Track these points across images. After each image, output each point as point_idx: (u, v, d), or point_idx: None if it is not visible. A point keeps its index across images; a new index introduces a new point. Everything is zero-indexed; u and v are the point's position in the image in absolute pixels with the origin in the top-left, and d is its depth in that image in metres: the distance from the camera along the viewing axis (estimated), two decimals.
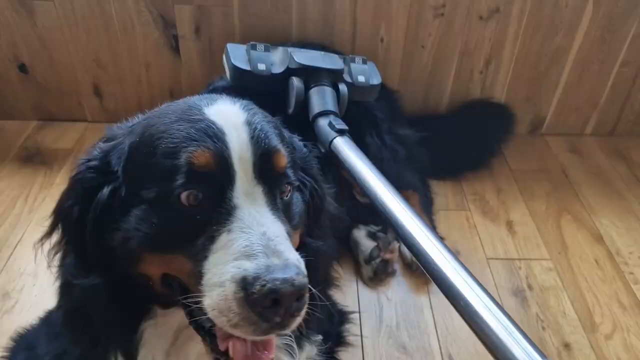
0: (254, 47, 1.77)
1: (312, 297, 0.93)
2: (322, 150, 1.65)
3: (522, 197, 2.23)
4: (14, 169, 2.26)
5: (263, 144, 0.94)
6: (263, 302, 0.80)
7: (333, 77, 1.77)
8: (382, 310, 1.75)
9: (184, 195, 0.89)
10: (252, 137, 0.93)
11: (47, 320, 1.36)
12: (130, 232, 0.93)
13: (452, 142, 2.32)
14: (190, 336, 1.08)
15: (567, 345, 1.66)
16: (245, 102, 1.03)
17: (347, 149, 1.52)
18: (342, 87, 1.76)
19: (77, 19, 2.23)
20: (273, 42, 2.09)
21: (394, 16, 2.24)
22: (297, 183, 1.03)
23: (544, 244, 2.01)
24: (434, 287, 1.82)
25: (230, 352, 0.93)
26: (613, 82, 2.45)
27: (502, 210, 2.16)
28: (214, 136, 0.91)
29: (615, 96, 2.50)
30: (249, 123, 0.95)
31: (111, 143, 1.00)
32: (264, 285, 0.80)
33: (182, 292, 0.94)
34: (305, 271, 0.86)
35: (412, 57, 2.37)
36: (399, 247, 1.90)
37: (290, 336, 1.11)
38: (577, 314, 1.75)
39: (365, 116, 1.93)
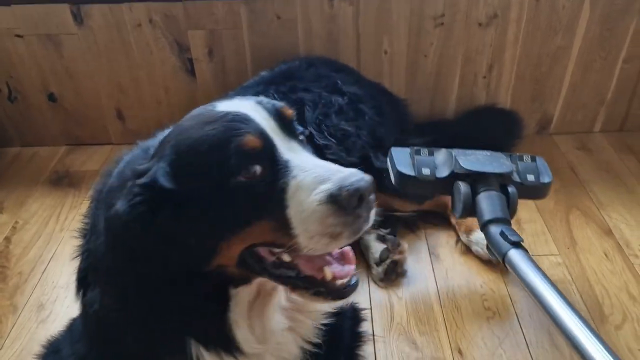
0: (417, 152, 1.77)
1: None
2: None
3: None
4: (45, 191, 2.42)
5: (273, 108, 1.14)
6: (353, 202, 0.99)
7: (501, 180, 1.69)
8: (393, 309, 1.82)
9: (243, 175, 1.03)
10: (267, 110, 1.12)
11: (71, 327, 1.48)
12: (205, 229, 1.05)
13: (460, 147, 2.37)
14: (263, 304, 1.21)
15: None
16: (240, 97, 1.22)
17: (523, 265, 1.46)
18: (512, 190, 1.66)
19: (100, 49, 2.40)
20: (282, 59, 2.22)
21: (395, 28, 2.34)
22: (307, 133, 1.27)
23: (553, 239, 2.05)
24: (442, 285, 1.89)
25: (328, 276, 1.10)
26: (618, 78, 2.48)
27: None
28: (245, 120, 1.07)
29: (621, 92, 2.53)
30: (259, 103, 1.14)
31: (147, 175, 1.06)
32: (349, 189, 0.98)
33: (256, 261, 1.10)
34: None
35: (416, 67, 2.45)
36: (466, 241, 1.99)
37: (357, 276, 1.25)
38: (587, 306, 1.78)
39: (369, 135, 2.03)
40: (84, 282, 1.23)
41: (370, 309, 1.81)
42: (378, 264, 1.92)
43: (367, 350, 1.65)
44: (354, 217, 1.01)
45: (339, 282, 1.11)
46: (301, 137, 1.18)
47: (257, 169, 1.04)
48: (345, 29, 2.35)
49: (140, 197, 1.03)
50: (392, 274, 1.91)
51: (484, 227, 1.60)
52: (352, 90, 2.13)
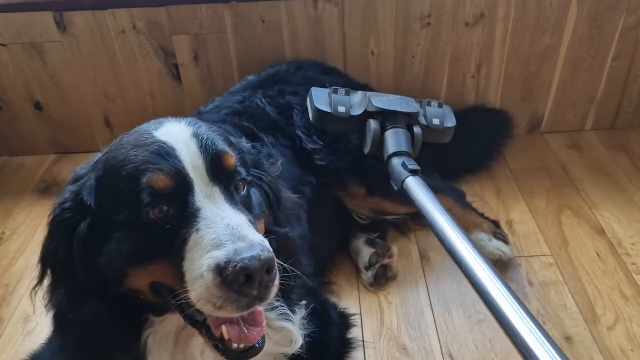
0: (335, 92, 1.86)
1: (285, 270, 1.07)
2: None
3: (522, 196, 2.25)
4: (33, 200, 2.40)
5: (212, 150, 1.06)
6: (238, 280, 0.92)
7: (408, 120, 1.83)
8: (383, 314, 1.79)
9: (152, 213, 1.00)
10: (200, 147, 1.05)
11: (50, 340, 1.47)
12: (113, 253, 1.04)
13: (450, 147, 2.35)
14: (189, 336, 1.18)
15: (568, 339, 1.67)
16: (189, 119, 1.14)
17: (418, 189, 1.59)
18: (417, 130, 1.82)
19: (84, 57, 2.38)
20: (268, 62, 2.21)
21: (382, 29, 2.32)
22: (249, 179, 1.15)
23: (545, 240, 2.03)
24: (433, 289, 1.87)
25: (226, 336, 1.04)
26: (607, 76, 2.46)
27: (502, 210, 2.19)
28: (166, 155, 1.03)
29: (611, 90, 2.51)
30: (195, 135, 1.07)
31: (79, 182, 1.11)
32: (235, 266, 0.91)
33: (172, 294, 1.04)
34: (269, 247, 0.97)
35: (404, 68, 2.44)
36: None
37: (283, 306, 1.24)
38: (579, 307, 1.76)
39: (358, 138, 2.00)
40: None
41: (360, 314, 1.79)
42: (368, 268, 1.90)
43: (356, 356, 1.62)
44: (238, 296, 0.94)
45: (235, 345, 1.05)
46: (239, 183, 1.11)
47: (168, 210, 1.01)
48: (331, 30, 2.33)
49: (69, 204, 1.07)
50: (382, 279, 1.89)
51: (388, 159, 1.73)
52: None
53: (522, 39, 2.36)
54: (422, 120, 1.87)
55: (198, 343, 1.18)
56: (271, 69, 2.15)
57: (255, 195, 1.18)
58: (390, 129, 1.80)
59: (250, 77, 2.12)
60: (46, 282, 1.16)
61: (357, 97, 1.88)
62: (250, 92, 2.00)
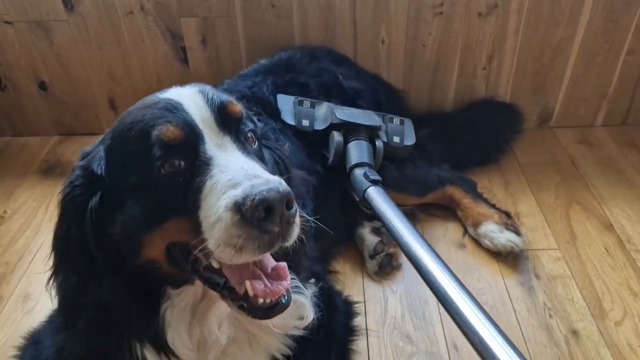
0: (300, 103, 1.90)
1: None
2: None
3: (530, 190, 2.22)
4: (35, 181, 2.38)
5: (217, 101, 1.05)
6: (257, 214, 0.88)
7: (370, 133, 1.92)
8: (387, 302, 1.77)
9: (163, 168, 0.98)
10: (206, 100, 1.05)
11: (51, 319, 1.46)
12: (127, 220, 1.02)
13: (459, 139, 2.32)
14: (206, 308, 1.16)
15: (575, 332, 1.64)
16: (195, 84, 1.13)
17: (379, 199, 1.66)
18: (379, 143, 1.90)
19: (91, 36, 2.35)
20: (277, 48, 2.17)
21: (393, 17, 2.29)
22: (260, 131, 1.15)
23: (552, 234, 2.00)
24: None
25: (250, 292, 1.01)
26: (620, 71, 2.43)
27: (509, 203, 2.15)
28: (173, 109, 1.01)
29: (624, 85, 2.47)
30: (201, 92, 1.07)
31: (88, 157, 1.09)
32: (254, 199, 0.88)
33: (188, 260, 1.02)
34: (286, 184, 0.93)
35: (414, 57, 2.40)
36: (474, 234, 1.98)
37: (294, 278, 1.20)
38: (586, 302, 1.73)
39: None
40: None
41: (364, 302, 1.76)
42: (372, 256, 1.87)
43: (360, 344, 1.61)
44: (259, 232, 0.90)
45: (260, 300, 1.02)
46: (249, 135, 1.10)
47: (180, 163, 0.98)
48: (342, 17, 2.29)
49: (79, 180, 1.05)
50: (387, 267, 1.86)
51: (350, 170, 1.82)
52: (353, 85, 2.09)
53: (536, 31, 2.32)
54: (383, 137, 1.95)
55: (215, 315, 1.16)
56: (284, 53, 2.12)
57: (268, 156, 1.17)
58: (352, 140, 1.88)
59: (262, 61, 2.09)
60: (56, 267, 1.13)
61: (322, 109, 1.93)
62: (262, 78, 1.98)
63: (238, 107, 1.09)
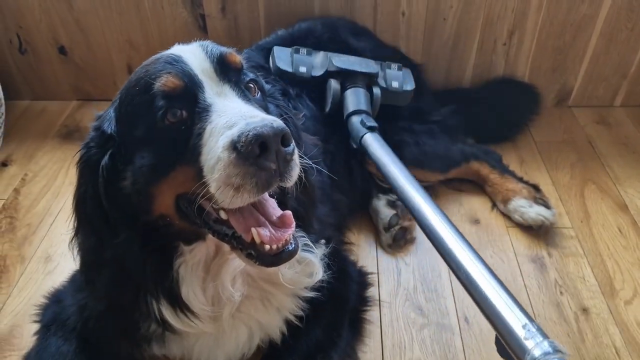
0: (297, 51, 1.90)
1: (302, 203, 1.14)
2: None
3: (545, 168, 2.22)
4: (55, 145, 2.41)
5: (217, 52, 1.09)
6: (252, 149, 0.91)
7: (368, 81, 1.90)
8: (400, 275, 1.80)
9: (166, 118, 1.02)
10: (206, 52, 1.09)
11: (73, 278, 1.51)
12: (136, 172, 1.06)
13: (477, 115, 2.31)
14: (220, 265, 1.20)
15: (585, 310, 1.66)
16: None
17: (375, 145, 1.66)
18: (376, 90, 1.89)
19: (110, 2, 2.34)
20: (296, 17, 2.17)
21: None
22: (261, 82, 1.19)
23: (566, 213, 2.01)
24: None
25: (256, 239, 1.04)
26: None
27: None
28: (173, 62, 1.06)
29: None
30: (201, 46, 1.11)
31: (100, 118, 1.15)
32: (247, 135, 0.91)
33: (197, 213, 1.06)
34: (282, 122, 0.95)
35: (434, 31, 2.38)
36: (505, 210, 1.99)
37: (304, 236, 1.24)
38: (597, 280, 1.76)
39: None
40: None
41: (377, 273, 1.80)
42: (387, 229, 1.90)
43: (372, 315, 1.64)
44: (256, 169, 0.93)
45: (267, 247, 1.04)
46: (250, 85, 1.14)
47: (181, 112, 1.02)
48: None
49: (92, 141, 1.11)
50: (401, 240, 1.89)
51: (347, 117, 1.81)
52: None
53: (559, 7, 2.28)
54: (381, 82, 1.93)
55: (229, 272, 1.20)
56: (303, 24, 2.10)
57: (272, 109, 1.21)
58: (350, 88, 1.86)
59: (281, 32, 2.08)
60: (77, 226, 1.18)
61: (319, 57, 1.92)
62: None
63: (237, 57, 1.13)
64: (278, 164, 0.95)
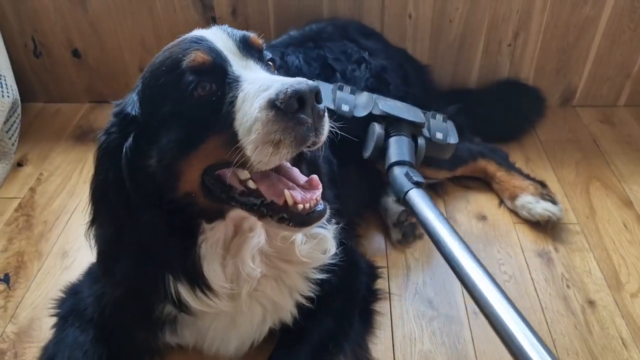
0: (340, 88, 1.83)
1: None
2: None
3: (550, 166, 2.26)
4: (69, 146, 2.46)
5: (239, 34, 1.17)
6: (291, 105, 0.97)
7: (413, 129, 1.81)
8: (409, 269, 1.84)
9: (196, 92, 1.06)
10: (229, 34, 1.15)
11: (90, 271, 1.56)
12: (163, 148, 1.09)
13: (483, 116, 2.34)
14: (241, 243, 1.23)
15: (591, 303, 1.70)
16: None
17: (422, 203, 1.54)
18: (421, 141, 1.79)
19: (124, 5, 2.40)
20: (305, 19, 2.21)
21: None
22: (279, 62, 1.25)
23: (572, 209, 2.04)
24: None
25: (289, 200, 1.08)
26: None
27: None
28: (199, 41, 1.11)
29: None
30: (223, 29, 1.17)
31: (120, 104, 1.18)
32: (286, 91, 0.97)
33: (222, 188, 1.12)
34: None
35: (440, 32, 2.43)
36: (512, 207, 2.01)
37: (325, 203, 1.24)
38: (603, 274, 1.79)
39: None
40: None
41: (387, 268, 1.83)
42: (396, 225, 1.93)
43: (383, 307, 1.68)
44: (295, 123, 0.99)
45: (300, 207, 1.09)
46: (269, 63, 1.19)
47: (211, 85, 1.07)
48: None
49: (114, 127, 1.13)
50: (410, 237, 1.93)
51: (390, 167, 1.69)
52: (379, 62, 2.09)
53: (562, 8, 2.33)
54: (426, 133, 1.84)
55: (249, 250, 1.23)
56: (314, 26, 2.14)
57: None
58: (394, 135, 1.76)
59: (292, 32, 2.12)
60: (94, 217, 1.20)
61: (362, 97, 1.84)
62: (292, 49, 2.00)
63: (259, 39, 1.19)
64: (313, 119, 1.01)
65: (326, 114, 1.06)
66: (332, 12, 2.36)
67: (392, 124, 1.78)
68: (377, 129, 1.75)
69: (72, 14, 2.44)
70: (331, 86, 1.83)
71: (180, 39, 1.15)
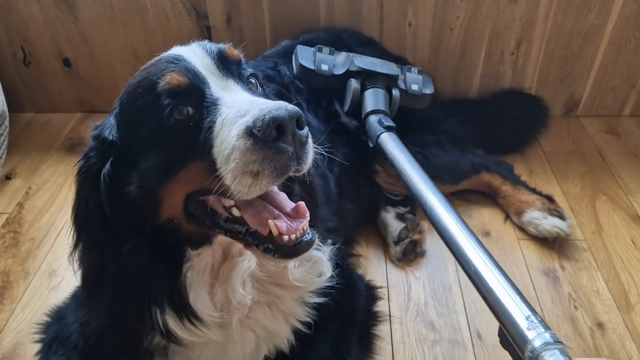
0: (319, 50, 1.93)
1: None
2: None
3: (555, 179, 2.20)
4: (59, 158, 2.39)
5: (215, 49, 1.10)
6: (270, 132, 0.90)
7: (388, 82, 1.93)
8: (410, 289, 1.77)
9: (173, 116, 1.00)
10: (206, 50, 1.09)
11: (75, 294, 1.48)
12: (143, 174, 1.04)
13: (485, 127, 2.28)
14: (230, 269, 1.17)
15: (600, 325, 1.63)
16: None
17: (392, 144, 1.65)
18: (395, 92, 1.92)
19: (115, 13, 2.33)
20: (301, 29, 2.16)
21: (421, 0, 2.24)
22: (260, 77, 1.19)
23: (578, 224, 1.98)
24: None
25: (274, 230, 1.02)
26: None
27: None
28: (175, 61, 1.05)
29: None
30: (200, 45, 1.11)
31: (99, 127, 1.12)
32: (264, 119, 0.90)
33: (206, 213, 1.05)
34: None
35: (441, 41, 2.36)
36: (518, 222, 1.97)
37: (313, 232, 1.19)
38: (612, 294, 1.72)
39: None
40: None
41: (387, 288, 1.76)
42: (396, 243, 1.87)
43: (383, 330, 1.61)
44: (274, 152, 0.92)
45: (286, 238, 1.02)
46: (251, 80, 1.14)
47: (187, 109, 1.01)
48: None
49: (93, 151, 1.08)
50: (411, 254, 1.86)
51: (366, 116, 1.83)
52: None
53: (566, 17, 2.27)
54: (401, 84, 1.97)
55: (239, 275, 1.17)
56: (307, 35, 2.10)
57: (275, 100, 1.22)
58: (369, 88, 1.90)
59: (284, 42, 2.07)
60: (77, 241, 1.14)
61: (341, 57, 1.96)
62: (283, 60, 1.96)
63: (235, 51, 1.13)
64: (295, 147, 0.94)
65: (309, 139, 0.99)
66: (329, 21, 2.30)
67: (368, 78, 1.91)
68: (354, 83, 1.89)
69: (62, 23, 2.37)
70: (312, 49, 1.95)
71: (157, 58, 1.09)
